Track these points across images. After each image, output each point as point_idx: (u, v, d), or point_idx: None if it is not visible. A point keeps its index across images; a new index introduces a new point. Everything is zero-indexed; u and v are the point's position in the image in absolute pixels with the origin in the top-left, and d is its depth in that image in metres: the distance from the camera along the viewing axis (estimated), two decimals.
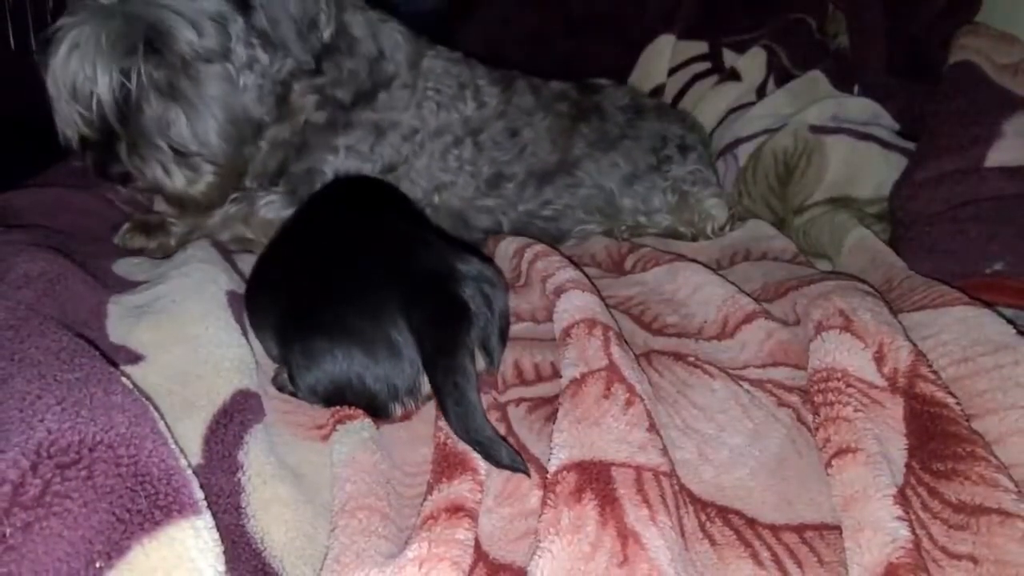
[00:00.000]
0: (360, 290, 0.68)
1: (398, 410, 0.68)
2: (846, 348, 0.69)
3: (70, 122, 0.98)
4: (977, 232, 1.04)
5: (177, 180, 1.00)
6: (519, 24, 1.78)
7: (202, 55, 0.97)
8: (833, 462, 0.59)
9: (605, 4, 1.75)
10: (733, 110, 1.54)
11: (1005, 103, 1.23)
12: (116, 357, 0.62)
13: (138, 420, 0.45)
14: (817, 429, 0.63)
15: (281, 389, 0.72)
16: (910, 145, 1.33)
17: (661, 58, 1.67)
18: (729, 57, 1.61)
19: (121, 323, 0.68)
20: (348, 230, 0.81)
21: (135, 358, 0.63)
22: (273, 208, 1.08)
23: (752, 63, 1.56)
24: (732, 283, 0.97)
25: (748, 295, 0.94)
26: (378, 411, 0.67)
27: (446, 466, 0.57)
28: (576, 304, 0.80)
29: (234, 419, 0.58)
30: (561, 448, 0.58)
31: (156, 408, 0.52)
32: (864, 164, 1.33)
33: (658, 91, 1.65)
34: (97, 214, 1.09)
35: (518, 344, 0.84)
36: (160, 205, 1.15)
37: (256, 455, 0.56)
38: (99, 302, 0.72)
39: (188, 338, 0.66)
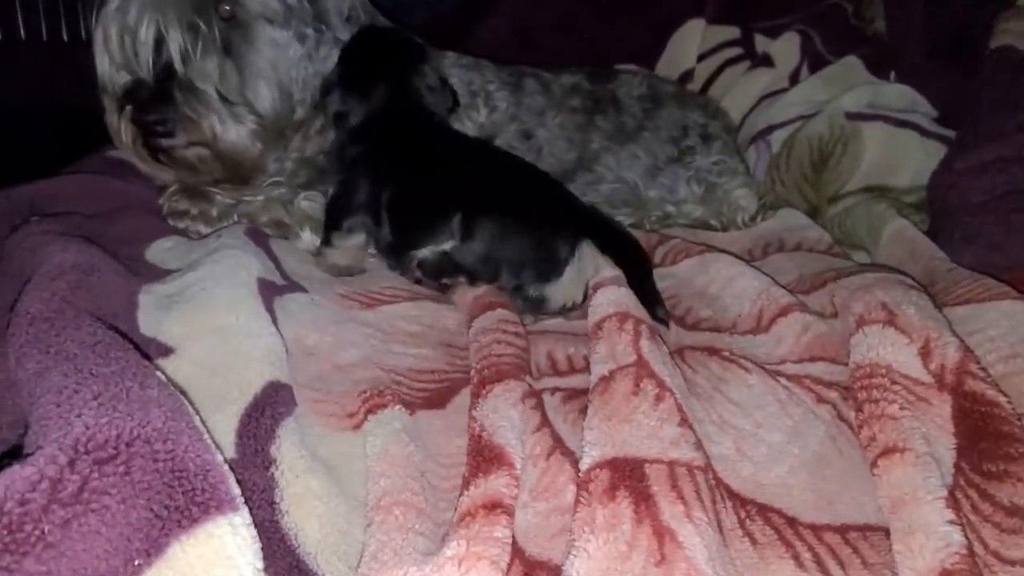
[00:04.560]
0: (543, 202, 0.90)
1: (531, 292, 0.88)
2: (890, 343, 0.67)
3: (123, 66, 1.00)
4: (1022, 223, 1.00)
5: (230, 130, 1.01)
6: (550, 10, 1.76)
7: (266, 15, 1.02)
8: (879, 462, 0.57)
9: None
10: (765, 96, 1.51)
11: None
12: (148, 350, 0.62)
13: (174, 415, 0.44)
14: (861, 427, 0.62)
15: (419, 261, 0.91)
16: (949, 133, 1.29)
17: (690, 43, 1.64)
18: (761, 42, 1.58)
19: (152, 314, 0.68)
20: (489, 152, 1.04)
21: (166, 351, 0.63)
22: (312, 204, 1.08)
23: (786, 48, 1.52)
24: (766, 275, 0.95)
25: (783, 287, 0.92)
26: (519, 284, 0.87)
27: (482, 460, 0.56)
28: (610, 298, 0.79)
29: (266, 412, 0.57)
30: (592, 446, 0.57)
31: (190, 402, 0.52)
32: (902, 152, 1.29)
33: (687, 76, 1.62)
34: (131, 199, 1.08)
35: (551, 336, 0.83)
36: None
37: (288, 448, 0.55)
38: (131, 292, 0.72)
39: (218, 328, 0.66)
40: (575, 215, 0.90)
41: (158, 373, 0.50)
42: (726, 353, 0.79)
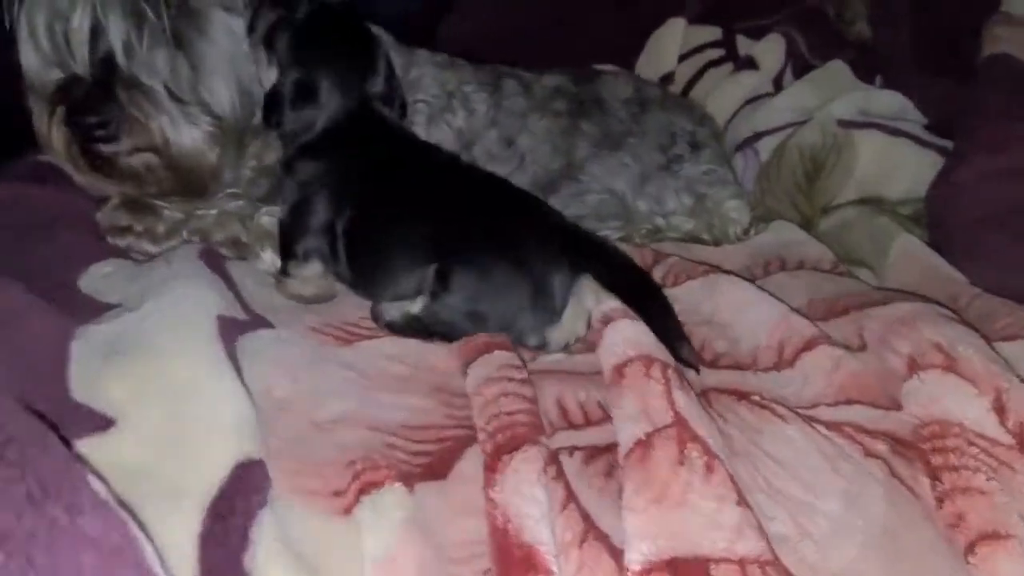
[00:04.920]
0: (528, 231, 0.78)
1: (531, 341, 0.77)
2: (956, 394, 0.59)
3: (54, 60, 0.87)
4: None
5: (183, 133, 0.88)
6: (520, 7, 1.66)
7: (222, 1, 0.90)
8: (978, 549, 0.49)
9: None
10: (749, 100, 1.44)
11: None
12: (80, 424, 0.49)
13: (115, 558, 0.32)
14: (941, 500, 0.54)
15: (387, 323, 0.78)
16: (944, 142, 1.24)
17: (670, 43, 1.56)
18: (744, 44, 1.51)
19: (87, 369, 0.56)
20: (464, 173, 0.89)
21: (104, 423, 0.51)
22: (273, 220, 0.95)
23: (770, 50, 1.46)
24: (781, 300, 0.87)
25: (802, 315, 0.84)
26: (510, 336, 0.75)
27: (510, 565, 0.46)
28: (627, 336, 0.69)
29: (236, 507, 0.46)
30: (642, 538, 0.47)
31: (135, 500, 0.40)
32: (896, 162, 1.24)
33: (667, 78, 1.54)
34: (63, 213, 0.94)
35: (554, 378, 0.73)
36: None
37: (267, 556, 0.44)
38: (61, 340, 0.59)
39: (170, 390, 0.54)
40: (568, 243, 0.79)
41: (93, 483, 0.38)
42: (755, 397, 0.70)
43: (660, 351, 0.67)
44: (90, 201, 1.04)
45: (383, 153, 0.86)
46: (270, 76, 0.89)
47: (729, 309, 0.87)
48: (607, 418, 0.67)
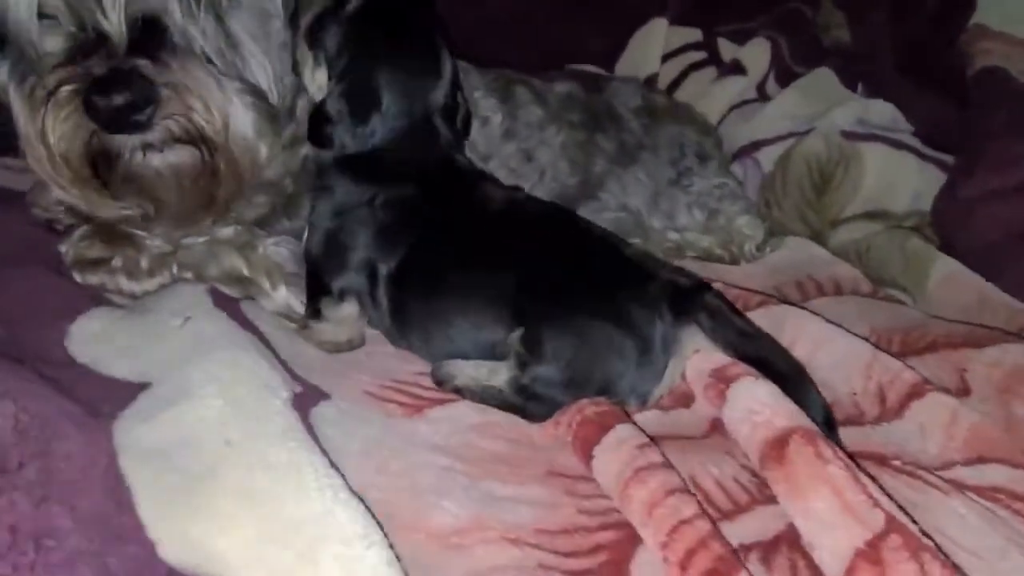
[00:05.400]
0: (622, 280, 0.67)
1: (631, 402, 0.67)
2: None
3: (69, 20, 0.66)
4: None
5: (241, 115, 0.69)
6: (496, 2, 1.53)
7: None
8: None
9: None
10: (735, 106, 1.39)
11: None
12: None
13: None
14: None
15: (457, 389, 0.66)
16: (942, 156, 1.23)
17: (653, 45, 1.49)
18: (725, 46, 1.46)
19: (166, 515, 0.41)
20: (536, 212, 0.76)
21: None
22: (281, 250, 0.80)
23: (756, 55, 1.42)
24: (860, 337, 0.81)
25: (891, 354, 0.78)
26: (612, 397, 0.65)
27: None
28: (763, 400, 0.61)
29: None
30: None
31: None
32: (901, 175, 1.23)
33: (651, 80, 1.47)
34: (11, 244, 0.75)
35: (670, 448, 0.63)
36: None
37: None
38: (104, 459, 0.44)
39: (290, 530, 0.41)
40: (666, 287, 0.68)
41: None
42: (897, 462, 0.64)
43: (806, 418, 0.59)
44: (37, 227, 0.85)
45: (447, 185, 0.72)
46: (318, 78, 0.73)
47: (804, 345, 0.80)
48: (756, 500, 0.59)
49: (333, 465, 0.49)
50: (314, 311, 0.74)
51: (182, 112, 0.67)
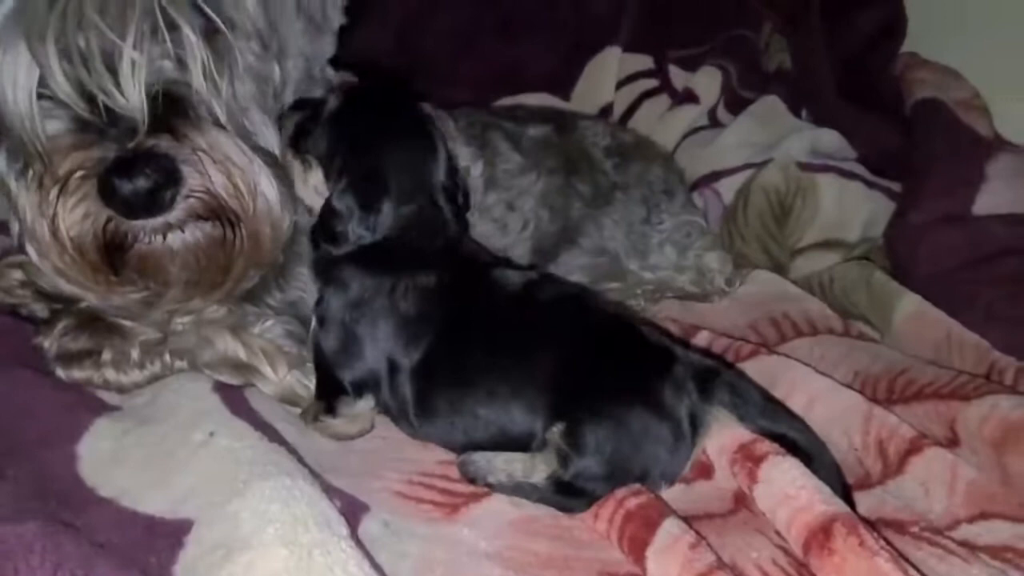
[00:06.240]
0: (650, 364, 0.68)
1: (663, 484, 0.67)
2: None
3: (73, 103, 0.61)
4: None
5: (266, 184, 0.65)
6: (441, 23, 1.51)
7: (249, 33, 0.68)
8: None
9: (542, 3, 1.53)
10: (688, 134, 1.43)
11: (979, 144, 1.24)
12: None
13: None
14: None
15: (491, 485, 0.65)
16: (887, 183, 1.30)
17: (608, 74, 1.51)
18: (676, 74, 1.49)
19: None
20: (555, 296, 0.74)
21: None
22: (277, 331, 0.76)
23: (707, 84, 1.45)
24: (854, 390, 0.85)
25: (880, 402, 0.82)
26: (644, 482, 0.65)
27: None
28: (798, 482, 0.63)
29: None
30: None
31: None
32: (853, 204, 1.28)
33: (606, 110, 1.49)
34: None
35: (706, 530, 0.64)
36: None
37: None
38: None
39: None
40: (689, 367, 0.69)
41: None
42: (915, 529, 0.67)
43: (842, 503, 0.62)
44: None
45: (463, 270, 0.71)
46: (311, 181, 0.70)
47: (800, 400, 0.83)
48: None
49: None
50: (328, 407, 0.71)
51: (204, 189, 0.64)
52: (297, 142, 0.71)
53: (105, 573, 0.42)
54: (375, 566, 0.50)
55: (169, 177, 0.61)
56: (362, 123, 0.70)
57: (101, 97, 0.60)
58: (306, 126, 0.70)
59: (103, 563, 0.43)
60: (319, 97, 0.74)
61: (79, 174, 0.61)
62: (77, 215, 0.62)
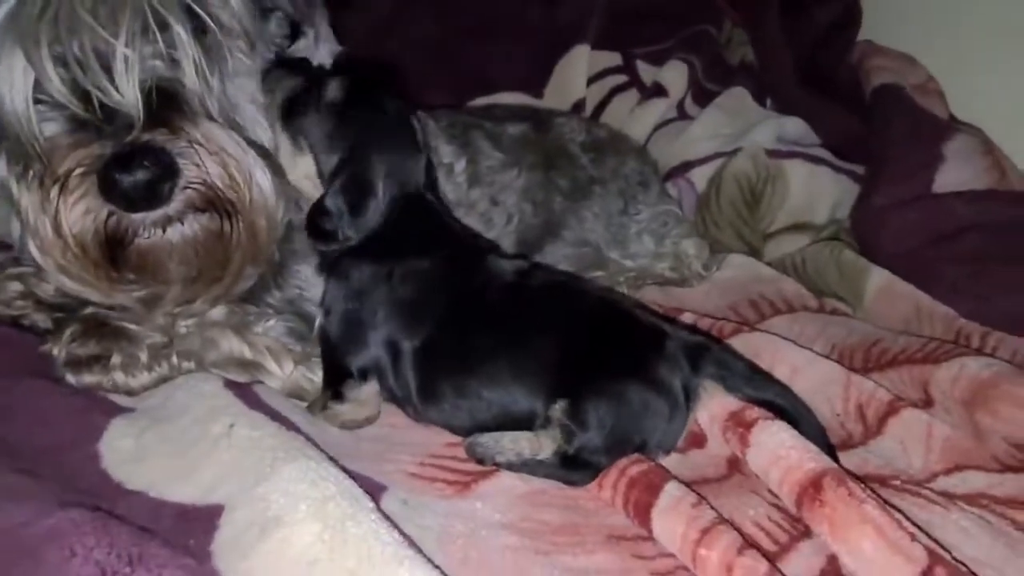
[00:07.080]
0: (644, 341, 0.71)
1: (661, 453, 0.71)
2: None
3: (68, 102, 0.63)
4: (1003, 275, 1.06)
5: (260, 175, 0.66)
6: (407, 25, 1.54)
7: (238, 33, 0.70)
8: None
9: (511, 7, 1.56)
10: (659, 126, 1.47)
11: (936, 125, 1.30)
12: None
13: None
14: None
15: (498, 464, 0.67)
16: (852, 167, 1.35)
17: (578, 71, 1.55)
18: (644, 69, 1.53)
19: None
20: (547, 280, 0.78)
21: None
22: (279, 328, 0.79)
23: (675, 78, 1.49)
24: (832, 359, 0.90)
25: (857, 371, 0.87)
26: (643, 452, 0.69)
27: None
28: (788, 443, 0.67)
29: None
30: None
31: None
32: (820, 188, 1.33)
33: (579, 106, 1.53)
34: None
35: (705, 492, 0.68)
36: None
37: None
38: None
39: None
40: (679, 342, 0.73)
41: None
42: (896, 481, 0.72)
43: (829, 459, 0.66)
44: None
45: (456, 256, 0.74)
46: (300, 166, 0.72)
47: (783, 372, 0.88)
48: (795, 537, 0.64)
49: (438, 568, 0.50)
50: (335, 394, 0.74)
51: (201, 180, 0.65)
52: (288, 115, 0.73)
53: (156, 551, 0.44)
54: (404, 535, 0.53)
55: (167, 169, 0.63)
56: (362, 124, 0.73)
57: (97, 95, 0.62)
58: (300, 102, 0.72)
59: (153, 542, 0.45)
60: (313, 67, 0.75)
61: (79, 171, 0.63)
62: (78, 212, 0.64)
